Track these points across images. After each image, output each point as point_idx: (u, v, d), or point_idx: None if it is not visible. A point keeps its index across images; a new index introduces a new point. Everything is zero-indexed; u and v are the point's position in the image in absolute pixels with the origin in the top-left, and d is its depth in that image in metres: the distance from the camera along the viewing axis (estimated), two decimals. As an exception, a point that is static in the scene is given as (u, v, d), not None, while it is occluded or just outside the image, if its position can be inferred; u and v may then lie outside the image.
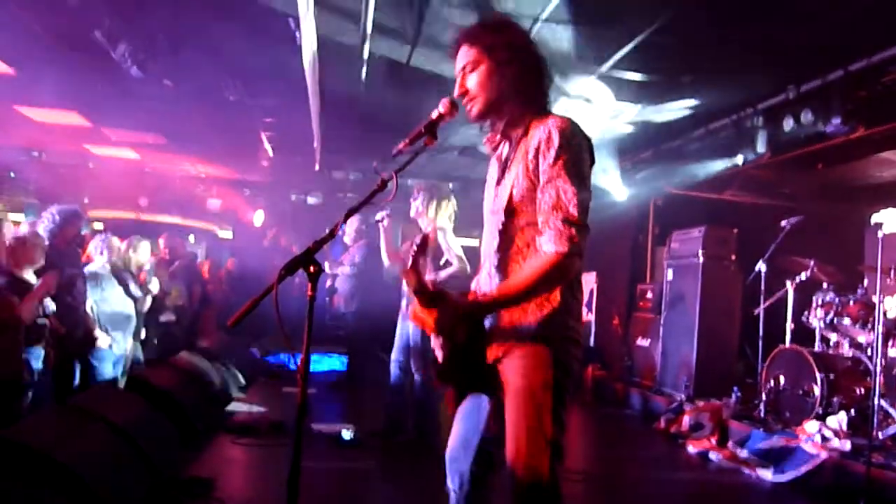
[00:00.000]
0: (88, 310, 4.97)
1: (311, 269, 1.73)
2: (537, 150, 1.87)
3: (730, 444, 5.38)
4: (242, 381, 7.09)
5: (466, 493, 1.99)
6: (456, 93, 1.98)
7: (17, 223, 6.66)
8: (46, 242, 4.56)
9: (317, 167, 9.66)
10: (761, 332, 6.24)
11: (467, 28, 2.00)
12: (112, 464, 3.27)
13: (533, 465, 1.81)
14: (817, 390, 5.10)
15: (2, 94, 7.60)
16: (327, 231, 1.84)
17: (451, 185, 5.09)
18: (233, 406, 5.99)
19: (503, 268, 1.95)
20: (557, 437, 1.86)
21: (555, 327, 1.88)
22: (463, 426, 2.03)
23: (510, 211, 1.93)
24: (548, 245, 1.82)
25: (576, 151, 1.86)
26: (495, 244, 1.96)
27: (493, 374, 1.92)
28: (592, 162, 1.93)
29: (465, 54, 1.97)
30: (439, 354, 1.94)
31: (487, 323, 1.93)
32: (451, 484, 2.03)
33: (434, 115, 1.96)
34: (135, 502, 3.20)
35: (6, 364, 3.70)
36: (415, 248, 1.91)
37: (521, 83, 1.94)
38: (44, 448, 2.83)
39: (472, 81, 1.96)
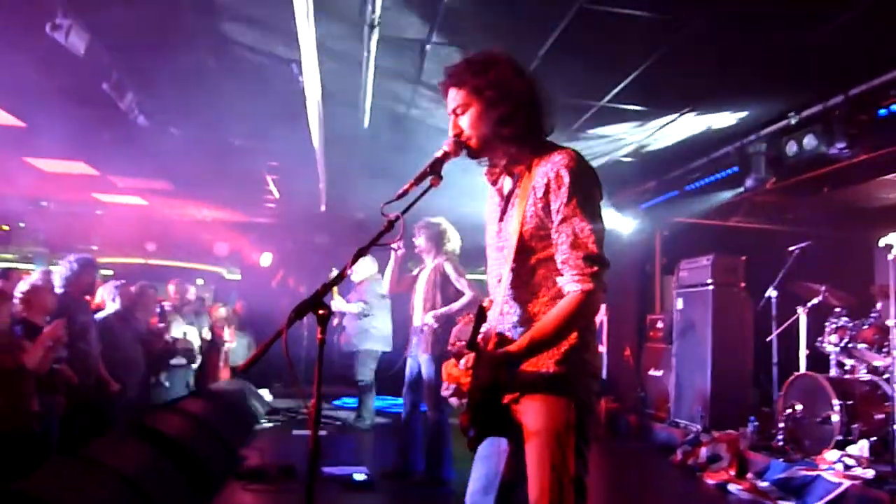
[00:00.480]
0: (99, 356, 4.97)
1: (321, 312, 1.71)
2: (546, 187, 1.85)
3: (749, 475, 5.28)
4: (268, 400, 7.13)
5: None
6: (450, 134, 1.96)
7: (28, 272, 6.73)
8: (61, 290, 4.61)
9: (322, 207, 9.73)
10: (775, 360, 6.18)
11: (453, 68, 1.96)
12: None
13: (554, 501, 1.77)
14: (836, 417, 5.02)
15: (11, 146, 7.72)
16: (336, 272, 1.83)
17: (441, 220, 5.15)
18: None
19: (520, 306, 1.93)
20: (581, 475, 1.82)
21: (573, 364, 1.86)
22: (483, 469, 1.98)
23: (522, 249, 1.90)
24: (571, 284, 1.82)
25: (587, 187, 1.86)
26: (508, 281, 1.93)
27: (510, 414, 1.88)
28: (601, 192, 1.93)
29: (455, 97, 1.95)
30: (454, 401, 1.92)
31: None
32: None
33: (439, 153, 1.94)
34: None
35: (16, 414, 3.68)
36: (471, 326, 1.88)
37: (515, 121, 1.91)
38: (53, 502, 2.80)
39: (465, 122, 1.94)
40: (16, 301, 4.08)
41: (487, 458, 1.98)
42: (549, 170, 1.86)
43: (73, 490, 3.07)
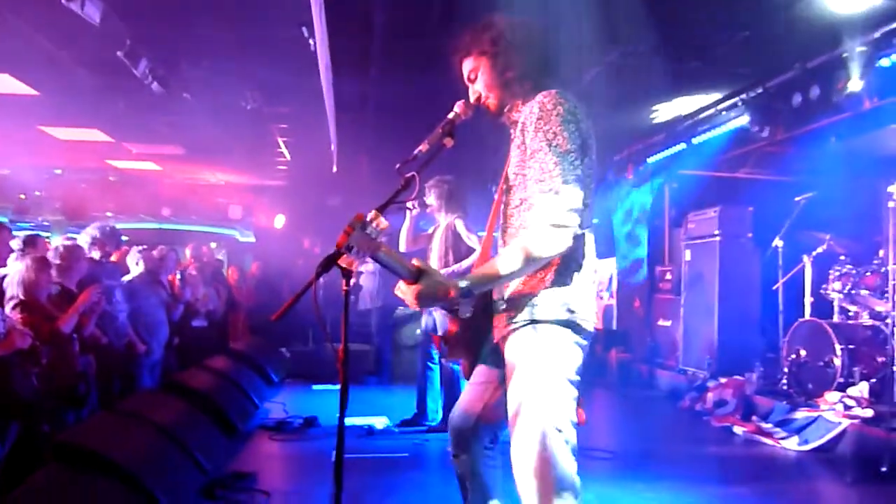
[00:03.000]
0: (126, 319, 5.18)
1: (344, 266, 1.87)
2: (524, 126, 1.90)
3: (754, 418, 5.47)
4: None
5: (464, 459, 2.06)
6: (471, 101, 2.08)
7: (46, 240, 6.92)
8: (88, 255, 4.80)
9: (334, 168, 9.83)
10: (781, 307, 6.31)
11: (459, 41, 2.08)
12: (162, 462, 3.46)
13: (532, 445, 1.80)
14: (838, 361, 5.17)
15: (27, 115, 7.85)
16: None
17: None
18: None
19: (504, 246, 1.99)
20: (560, 422, 1.80)
21: (547, 309, 1.85)
22: (468, 395, 2.09)
23: (507, 190, 2.00)
24: (533, 219, 1.82)
25: (558, 122, 1.83)
26: (499, 224, 2.04)
27: (499, 351, 1.97)
28: (578, 129, 1.85)
29: (466, 66, 2.08)
30: (440, 327, 2.09)
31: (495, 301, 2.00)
32: (451, 448, 2.10)
33: (451, 115, 2.06)
34: (187, 497, 3.39)
35: (60, 377, 3.89)
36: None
37: (513, 68, 1.99)
38: (104, 449, 3.01)
39: (479, 84, 2.06)
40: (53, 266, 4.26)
41: (475, 386, 2.09)
42: (528, 108, 1.91)
43: (118, 439, 3.29)
